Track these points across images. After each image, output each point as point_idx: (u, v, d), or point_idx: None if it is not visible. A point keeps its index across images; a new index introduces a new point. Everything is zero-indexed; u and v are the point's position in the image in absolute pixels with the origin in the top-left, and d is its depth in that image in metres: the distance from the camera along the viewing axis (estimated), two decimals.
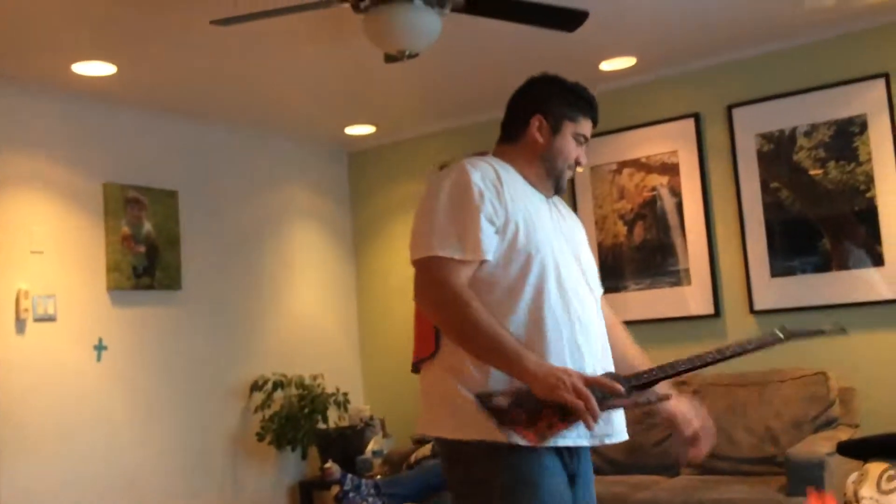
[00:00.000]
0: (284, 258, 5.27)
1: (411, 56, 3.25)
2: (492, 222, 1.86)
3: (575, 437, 1.83)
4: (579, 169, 2.16)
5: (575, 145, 2.09)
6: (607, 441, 1.91)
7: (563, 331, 1.87)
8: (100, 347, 4.18)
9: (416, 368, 2.02)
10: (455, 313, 1.79)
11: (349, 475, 4.04)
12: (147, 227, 4.43)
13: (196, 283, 4.69)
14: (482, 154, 2.06)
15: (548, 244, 1.93)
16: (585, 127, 2.11)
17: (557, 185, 2.09)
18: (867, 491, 2.42)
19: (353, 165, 5.81)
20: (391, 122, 5.26)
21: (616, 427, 1.93)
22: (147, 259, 4.41)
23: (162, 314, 4.50)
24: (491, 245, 1.86)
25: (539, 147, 2.06)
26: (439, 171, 2.02)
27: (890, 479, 2.40)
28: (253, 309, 5.01)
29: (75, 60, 3.81)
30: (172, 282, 4.52)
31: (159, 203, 4.51)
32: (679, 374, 1.86)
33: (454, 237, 1.84)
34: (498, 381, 1.81)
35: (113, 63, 3.87)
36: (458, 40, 3.87)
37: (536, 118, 2.06)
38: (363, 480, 4.04)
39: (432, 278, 1.84)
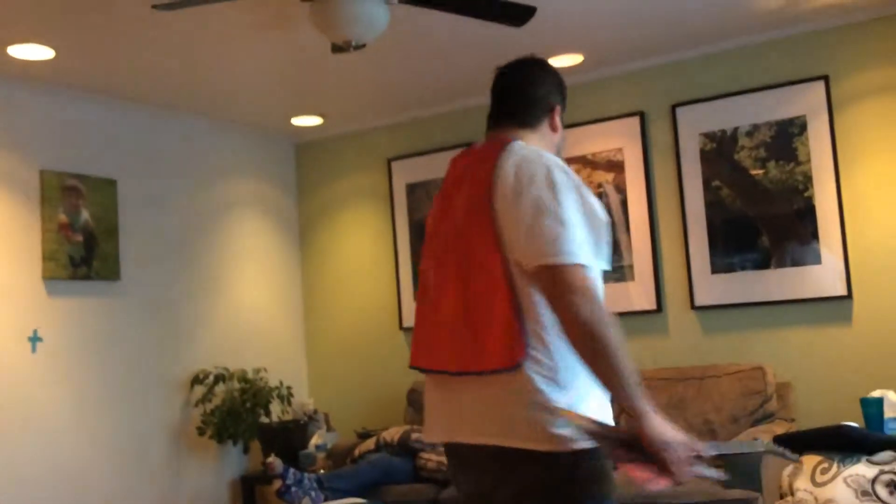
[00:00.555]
0: (228, 249, 5.19)
1: (358, 47, 3.22)
2: None
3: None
4: None
5: None
6: None
7: None
8: (35, 339, 4.07)
9: (422, 371, 1.96)
10: (602, 331, 1.70)
11: (291, 469, 4.00)
12: (85, 215, 4.32)
13: (135, 274, 4.59)
14: (505, 140, 1.96)
15: None
16: None
17: None
18: (802, 483, 2.48)
19: (301, 157, 5.75)
20: (339, 113, 5.21)
21: None
22: (85, 249, 4.30)
23: (100, 305, 4.40)
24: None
25: (555, 137, 2.06)
26: (519, 156, 1.87)
27: (823, 471, 2.46)
28: (194, 301, 4.93)
29: (11, 43, 3.69)
30: (111, 272, 4.42)
31: (98, 191, 4.40)
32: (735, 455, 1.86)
33: (590, 245, 1.79)
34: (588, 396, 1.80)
35: (51, 47, 3.76)
36: (406, 32, 3.85)
37: (557, 107, 2.06)
38: (305, 474, 4.00)
39: (581, 289, 1.73)
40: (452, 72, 4.51)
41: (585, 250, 1.78)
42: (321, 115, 5.20)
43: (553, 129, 2.05)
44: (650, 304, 4.49)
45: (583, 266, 1.76)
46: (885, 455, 2.38)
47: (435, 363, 1.92)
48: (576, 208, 1.81)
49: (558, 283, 1.75)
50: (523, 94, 2.05)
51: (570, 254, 1.76)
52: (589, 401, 1.81)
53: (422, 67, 4.43)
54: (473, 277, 1.85)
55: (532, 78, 2.08)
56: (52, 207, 4.17)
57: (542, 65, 2.11)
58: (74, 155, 4.35)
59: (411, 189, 5.27)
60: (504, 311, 1.78)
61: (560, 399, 1.76)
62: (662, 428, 1.68)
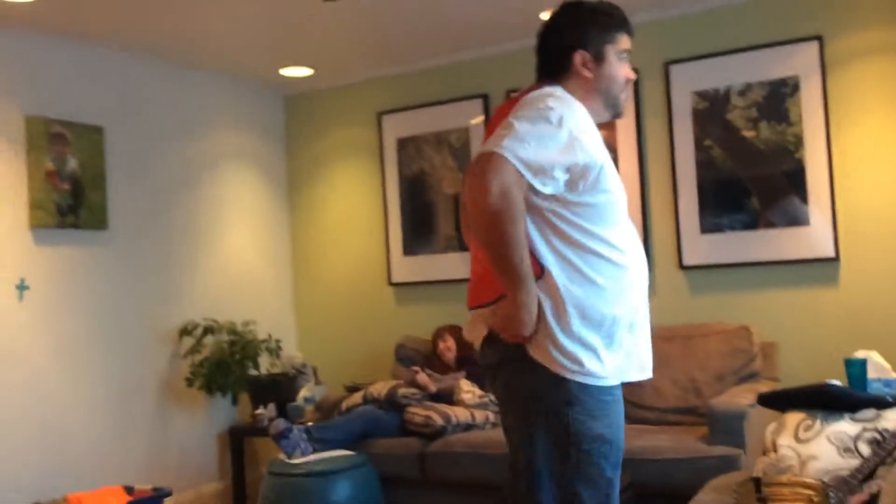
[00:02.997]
0: (216, 200, 5.15)
1: None
2: None
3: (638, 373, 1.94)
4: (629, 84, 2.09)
5: (621, 65, 2.02)
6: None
7: None
8: (21, 287, 4.04)
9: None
10: (491, 221, 1.92)
11: (295, 427, 3.99)
12: (72, 163, 4.27)
13: (123, 223, 4.56)
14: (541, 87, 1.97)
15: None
16: (625, 42, 2.04)
17: (615, 111, 2.05)
18: (785, 440, 2.51)
19: (290, 108, 5.69)
20: (330, 65, 5.14)
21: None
22: (72, 197, 4.26)
23: (87, 254, 4.37)
24: None
25: (591, 82, 1.98)
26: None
27: (807, 428, 2.50)
28: (183, 252, 4.90)
29: None
30: (98, 221, 4.38)
31: (84, 139, 4.34)
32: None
33: (536, 154, 1.87)
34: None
35: None
36: None
37: (578, 54, 1.98)
38: (294, 426, 4.02)
39: (485, 171, 1.84)
40: (445, 24, 4.45)
41: (517, 147, 1.73)
42: (312, 66, 5.13)
43: (583, 74, 1.98)
44: None
45: (501, 156, 1.71)
46: (868, 412, 2.42)
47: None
48: (534, 122, 1.77)
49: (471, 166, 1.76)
50: (542, 49, 2.04)
51: (497, 146, 1.73)
52: None
53: (414, 19, 4.36)
54: None
55: (548, 32, 2.04)
56: (38, 155, 4.12)
57: (562, 11, 2.04)
58: (60, 101, 4.29)
59: (402, 144, 5.23)
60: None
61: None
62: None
